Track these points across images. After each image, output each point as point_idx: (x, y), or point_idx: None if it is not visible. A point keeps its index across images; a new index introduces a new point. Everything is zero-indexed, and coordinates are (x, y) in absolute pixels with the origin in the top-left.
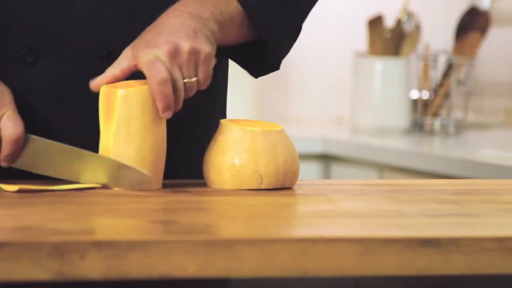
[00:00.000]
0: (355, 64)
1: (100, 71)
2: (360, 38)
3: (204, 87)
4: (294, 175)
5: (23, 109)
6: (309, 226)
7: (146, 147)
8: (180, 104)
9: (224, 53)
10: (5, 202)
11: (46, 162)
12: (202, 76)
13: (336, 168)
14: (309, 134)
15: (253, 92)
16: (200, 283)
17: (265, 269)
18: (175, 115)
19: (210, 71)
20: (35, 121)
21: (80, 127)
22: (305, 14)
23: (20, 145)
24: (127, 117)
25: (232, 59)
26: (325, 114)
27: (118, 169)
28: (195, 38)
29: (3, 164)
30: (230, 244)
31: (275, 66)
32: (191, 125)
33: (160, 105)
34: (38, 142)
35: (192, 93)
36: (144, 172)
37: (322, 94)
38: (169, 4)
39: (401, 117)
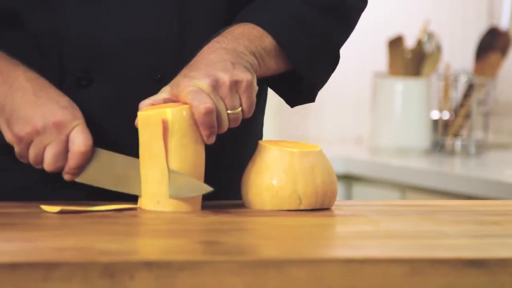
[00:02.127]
0: (375, 84)
1: (153, 94)
2: (380, 58)
3: (248, 115)
4: (333, 195)
5: None
6: (354, 247)
7: (170, 169)
8: (223, 132)
9: (262, 81)
10: (48, 223)
11: (108, 175)
12: (246, 105)
13: (357, 188)
14: (330, 154)
15: (272, 111)
16: None
17: None
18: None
19: (254, 99)
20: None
21: (131, 148)
22: (341, 42)
23: (87, 158)
24: (147, 140)
25: (269, 87)
26: (344, 134)
27: (179, 180)
28: (233, 69)
29: (67, 177)
30: (278, 264)
31: (311, 98)
32: (230, 148)
33: (204, 134)
34: (103, 154)
35: (237, 123)
36: (200, 182)
37: (341, 114)
38: (219, 26)
39: (422, 137)
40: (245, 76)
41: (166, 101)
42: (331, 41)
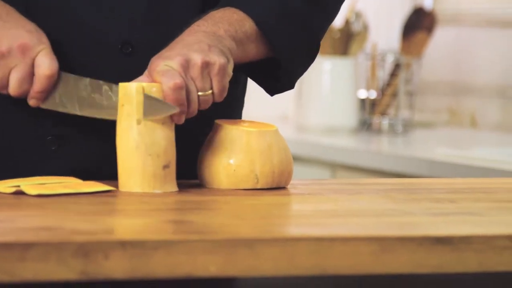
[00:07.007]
0: None
1: (123, 68)
2: None
3: (219, 99)
4: (289, 174)
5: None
6: (321, 225)
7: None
8: (194, 114)
9: (241, 70)
10: (13, 203)
11: (74, 99)
12: (217, 89)
13: None
14: None
15: None
16: (206, 282)
17: (285, 267)
18: (191, 124)
19: (225, 84)
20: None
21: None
22: (322, 32)
23: (53, 82)
24: (120, 114)
25: (248, 76)
26: (269, 113)
27: (145, 99)
28: (208, 51)
29: (32, 102)
30: (251, 243)
31: (290, 86)
32: (204, 134)
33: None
34: (69, 78)
35: (207, 106)
36: (169, 103)
37: (265, 92)
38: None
39: (349, 116)
40: (218, 59)
41: (144, 81)
42: (312, 30)
